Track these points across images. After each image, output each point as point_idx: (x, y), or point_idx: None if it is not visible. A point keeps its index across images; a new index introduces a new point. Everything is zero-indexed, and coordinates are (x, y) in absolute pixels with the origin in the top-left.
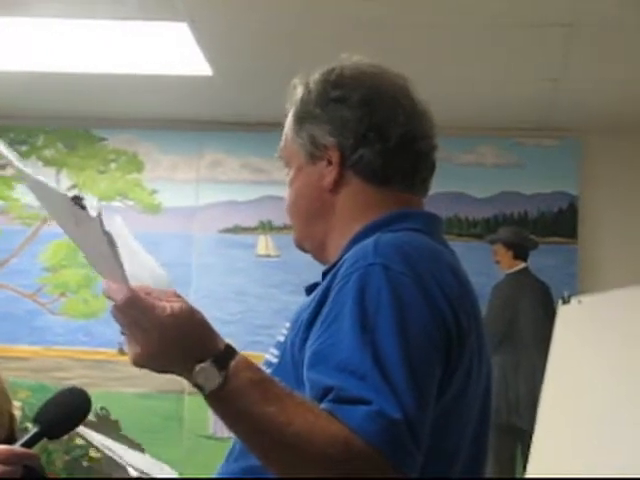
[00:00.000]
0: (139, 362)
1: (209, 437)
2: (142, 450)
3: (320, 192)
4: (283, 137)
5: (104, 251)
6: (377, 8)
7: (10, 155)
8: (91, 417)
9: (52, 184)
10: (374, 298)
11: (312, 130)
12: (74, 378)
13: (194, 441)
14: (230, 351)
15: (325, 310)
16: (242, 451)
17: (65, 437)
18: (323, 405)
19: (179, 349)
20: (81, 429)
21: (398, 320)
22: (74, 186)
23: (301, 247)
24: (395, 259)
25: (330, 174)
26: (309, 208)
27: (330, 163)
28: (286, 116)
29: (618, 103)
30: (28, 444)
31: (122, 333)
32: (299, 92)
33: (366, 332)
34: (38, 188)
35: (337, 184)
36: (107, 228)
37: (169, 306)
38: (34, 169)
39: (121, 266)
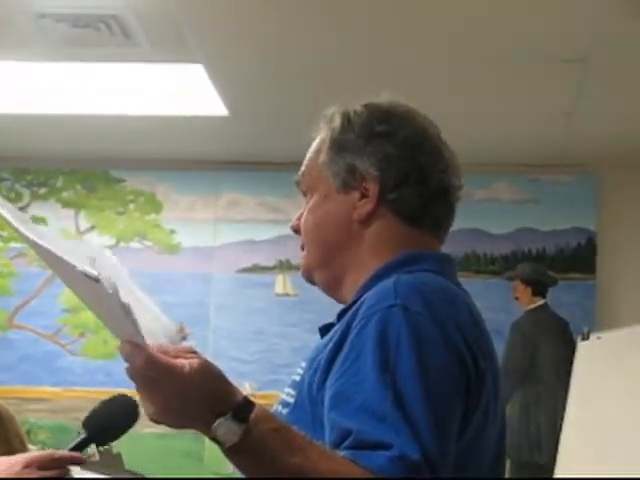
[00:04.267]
0: (157, 419)
1: (229, 477)
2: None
3: (349, 222)
4: (307, 161)
5: (119, 317)
6: (392, 45)
7: (12, 219)
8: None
9: (61, 255)
10: (394, 339)
11: (352, 160)
12: None
13: None
14: (248, 403)
15: (345, 350)
16: None
17: None
18: (344, 451)
19: (197, 406)
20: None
21: (418, 360)
22: (93, 227)
23: (310, 276)
24: (414, 300)
25: (365, 206)
26: (333, 237)
27: (364, 195)
28: (306, 150)
29: (633, 137)
30: (76, 449)
31: (137, 391)
32: (337, 120)
33: (387, 373)
34: (43, 253)
35: (369, 217)
36: (124, 300)
37: (187, 364)
38: (52, 212)
39: (138, 329)
